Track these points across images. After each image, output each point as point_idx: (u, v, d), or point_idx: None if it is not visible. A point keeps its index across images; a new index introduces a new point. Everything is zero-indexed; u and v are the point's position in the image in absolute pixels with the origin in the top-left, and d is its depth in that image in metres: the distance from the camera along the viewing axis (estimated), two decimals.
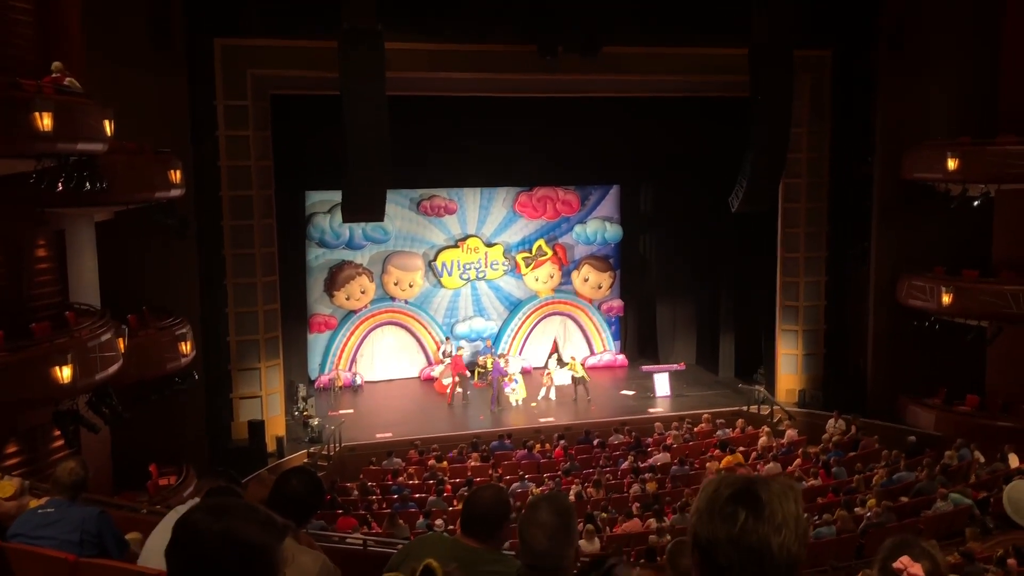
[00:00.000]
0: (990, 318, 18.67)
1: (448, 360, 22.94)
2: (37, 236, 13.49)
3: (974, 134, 18.64)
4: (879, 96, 20.00)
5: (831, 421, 18.73)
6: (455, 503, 13.95)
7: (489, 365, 22.94)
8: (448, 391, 21.65)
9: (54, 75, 12.21)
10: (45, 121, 11.14)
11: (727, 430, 18.77)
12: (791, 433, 18.71)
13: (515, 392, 21.43)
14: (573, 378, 21.56)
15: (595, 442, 18.03)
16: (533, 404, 21.14)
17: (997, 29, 19.36)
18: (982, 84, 19.49)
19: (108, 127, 12.75)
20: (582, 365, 22.38)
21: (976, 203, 18.64)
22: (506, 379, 21.62)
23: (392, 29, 16.21)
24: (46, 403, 11.97)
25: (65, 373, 11.55)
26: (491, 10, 17.68)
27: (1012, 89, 19.05)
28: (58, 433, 12.56)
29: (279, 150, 18.50)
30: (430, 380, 23.44)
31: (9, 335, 11.43)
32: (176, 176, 15.56)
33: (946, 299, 18.68)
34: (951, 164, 18.36)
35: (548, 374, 21.83)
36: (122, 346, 13.36)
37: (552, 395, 21.63)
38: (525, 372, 22.25)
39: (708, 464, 16.26)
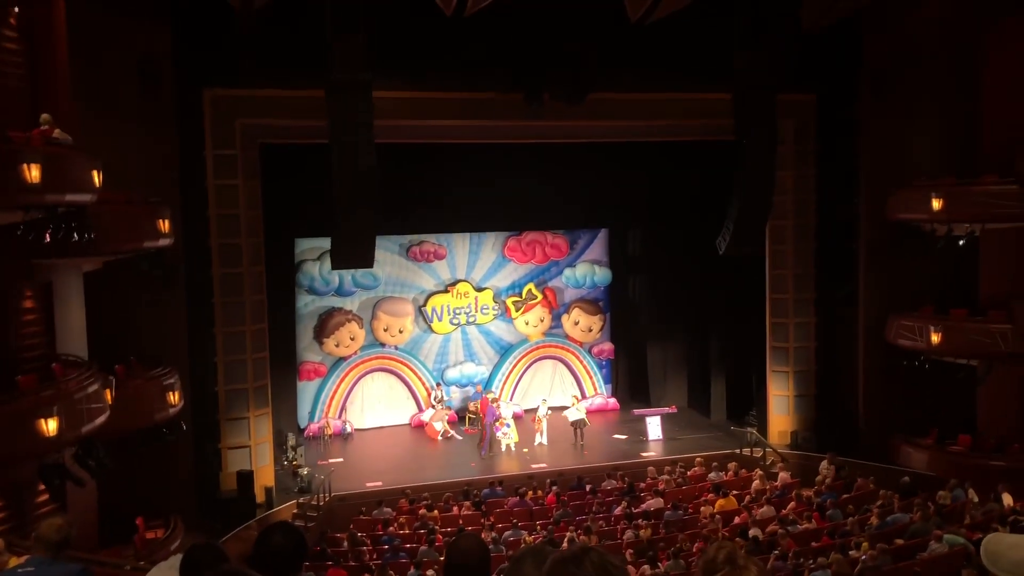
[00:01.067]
0: (979, 357, 18.73)
1: (439, 405, 22.83)
2: (24, 287, 13.45)
3: (957, 175, 18.87)
4: (863, 139, 20.26)
5: (824, 463, 18.64)
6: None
7: (497, 407, 22.82)
8: (483, 438, 21.23)
9: (43, 127, 12.26)
10: (33, 173, 11.18)
11: (720, 473, 18.65)
12: (784, 476, 18.60)
13: (507, 436, 21.30)
14: (573, 421, 21.49)
15: (588, 488, 17.88)
16: (525, 450, 20.97)
17: (977, 74, 19.70)
18: (963, 127, 19.78)
19: (97, 178, 12.79)
20: (585, 408, 22.28)
21: (962, 242, 18.80)
22: (498, 423, 21.54)
23: (380, 78, 16.36)
24: (31, 457, 11.82)
25: (51, 426, 11.43)
26: (478, 58, 17.90)
27: (993, 132, 19.35)
28: (43, 487, 12.38)
29: (268, 198, 18.56)
30: (421, 426, 23.28)
31: None
32: (165, 225, 15.57)
33: (935, 338, 18.74)
34: (936, 204, 18.55)
35: (539, 419, 21.68)
36: (109, 397, 13.24)
37: (544, 439, 21.50)
38: (517, 417, 22.11)
39: (702, 508, 16.14)
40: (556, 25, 17.45)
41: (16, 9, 13.51)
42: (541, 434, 21.50)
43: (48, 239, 11.86)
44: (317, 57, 16.01)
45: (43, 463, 11.96)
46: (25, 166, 11.05)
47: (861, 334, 20.67)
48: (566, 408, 22.18)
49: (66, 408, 11.71)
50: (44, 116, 12.49)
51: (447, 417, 22.87)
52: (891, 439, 19.74)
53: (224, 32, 16.94)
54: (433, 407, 23.08)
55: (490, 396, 22.35)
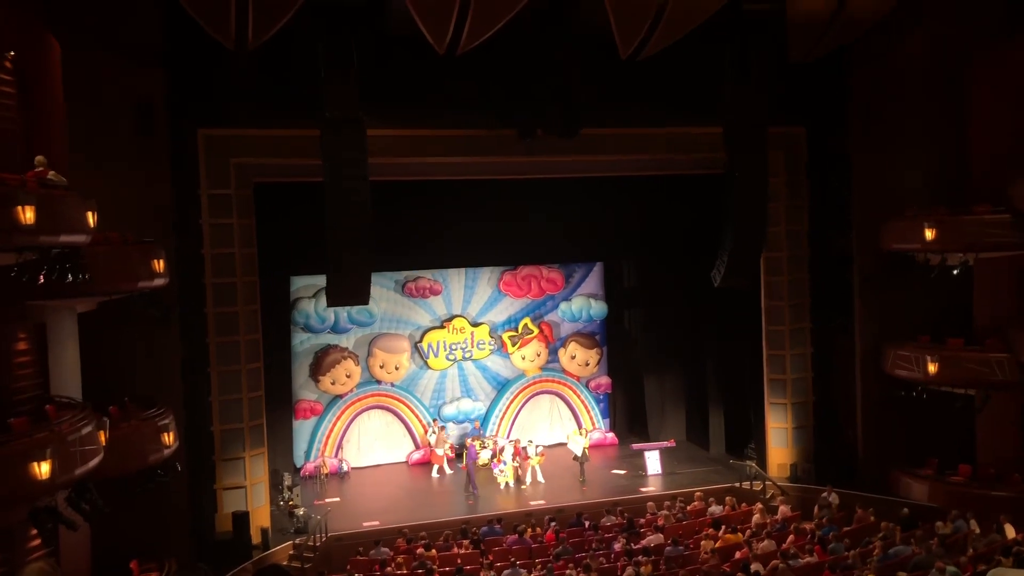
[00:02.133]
0: (976, 386, 18.71)
1: (441, 445, 22.68)
2: (18, 329, 13.39)
3: (947, 205, 18.99)
4: (853, 171, 20.39)
5: (824, 495, 18.52)
6: None
7: (478, 447, 22.76)
8: (515, 474, 21.16)
9: (37, 169, 12.29)
10: (28, 214, 11.16)
11: (717, 507, 18.51)
12: (784, 509, 18.45)
13: (503, 474, 21.17)
14: (575, 456, 21.36)
15: (587, 524, 17.72)
16: (523, 487, 20.77)
17: (964, 104, 19.91)
18: (952, 157, 19.94)
19: (91, 219, 12.79)
20: (587, 445, 22.16)
21: (955, 271, 18.85)
22: (495, 460, 21.45)
23: (374, 116, 16.49)
24: (23, 500, 11.68)
25: (44, 469, 11.29)
26: (470, 95, 18.06)
27: (982, 162, 19.53)
28: (35, 532, 12.23)
29: (263, 236, 18.57)
30: (419, 464, 23.12)
31: None
32: (159, 265, 15.55)
33: (932, 368, 18.72)
34: (929, 234, 18.63)
35: (529, 460, 21.54)
36: (103, 439, 13.12)
37: (540, 477, 21.36)
38: (516, 453, 21.92)
39: (703, 543, 15.99)
40: (548, 62, 17.63)
41: (11, 53, 13.59)
42: (529, 473, 21.32)
43: (42, 280, 11.82)
44: (311, 96, 16.14)
45: (35, 507, 11.81)
46: (20, 208, 11.03)
47: (858, 364, 20.65)
48: (565, 443, 22.10)
49: (59, 450, 11.58)
50: (39, 158, 12.52)
51: (448, 446, 22.79)
52: (890, 470, 19.64)
53: (218, 72, 17.08)
54: (429, 443, 22.95)
55: (470, 440, 22.42)
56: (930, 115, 19.95)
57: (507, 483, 21.04)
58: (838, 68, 20.15)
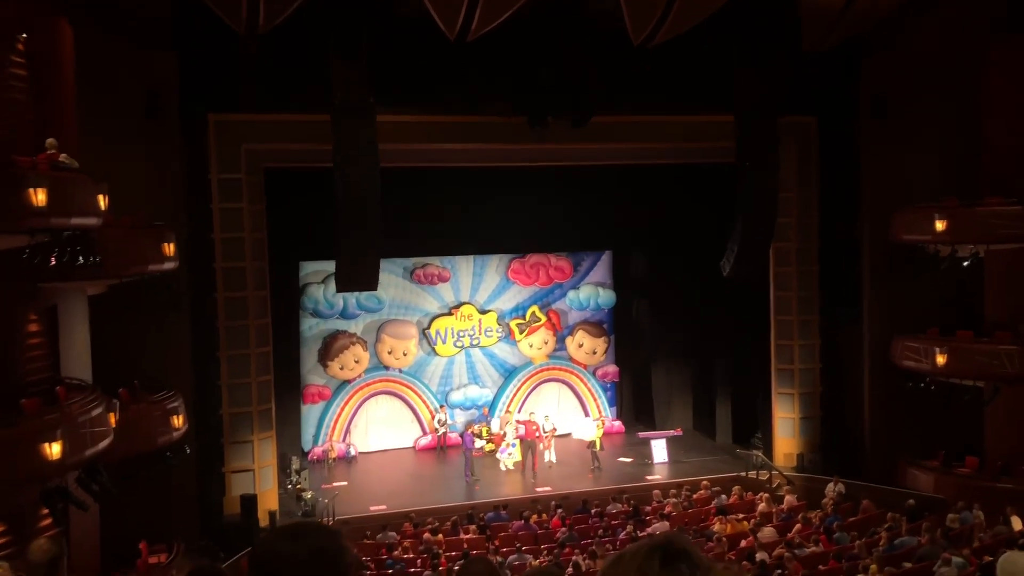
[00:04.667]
0: (985, 378, 18.64)
1: (442, 428, 22.77)
2: (29, 311, 13.48)
3: (958, 196, 18.89)
4: (864, 161, 20.30)
5: (830, 485, 18.53)
6: None
7: (485, 433, 22.83)
8: (529, 462, 21.09)
9: (49, 152, 12.34)
10: (39, 197, 11.23)
11: (723, 496, 18.54)
12: (790, 499, 18.49)
13: (511, 456, 21.22)
14: (588, 443, 21.38)
15: (593, 511, 17.78)
16: (532, 480, 20.71)
17: (978, 95, 19.77)
18: (965, 148, 19.82)
19: (102, 202, 12.85)
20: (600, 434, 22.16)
21: (966, 263, 18.78)
22: (504, 444, 21.54)
23: (384, 102, 16.49)
24: (34, 481, 11.79)
25: (54, 450, 11.40)
26: (481, 83, 18.02)
27: (994, 153, 19.40)
28: (46, 512, 12.34)
29: (273, 222, 18.62)
30: (426, 450, 23.22)
31: None
32: (170, 249, 15.62)
33: (941, 360, 18.66)
34: (939, 226, 18.54)
35: (545, 435, 21.60)
36: (113, 421, 13.22)
37: (552, 456, 21.39)
38: (529, 435, 21.79)
39: (716, 527, 16.03)
40: (560, 48, 17.58)
41: (23, 35, 13.63)
42: (552, 452, 21.38)
43: (53, 263, 11.91)
44: (321, 82, 16.14)
45: (46, 487, 11.92)
46: (31, 190, 11.10)
47: (866, 356, 20.61)
48: (570, 433, 22.13)
49: (70, 432, 11.69)
50: (50, 141, 12.58)
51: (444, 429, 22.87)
52: (897, 461, 19.63)
53: (229, 57, 17.08)
54: (436, 430, 23.04)
55: (473, 428, 22.47)
56: (943, 105, 19.83)
57: (509, 466, 21.04)
58: (850, 57, 20.02)
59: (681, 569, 1.56)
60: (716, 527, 16.02)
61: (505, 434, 21.88)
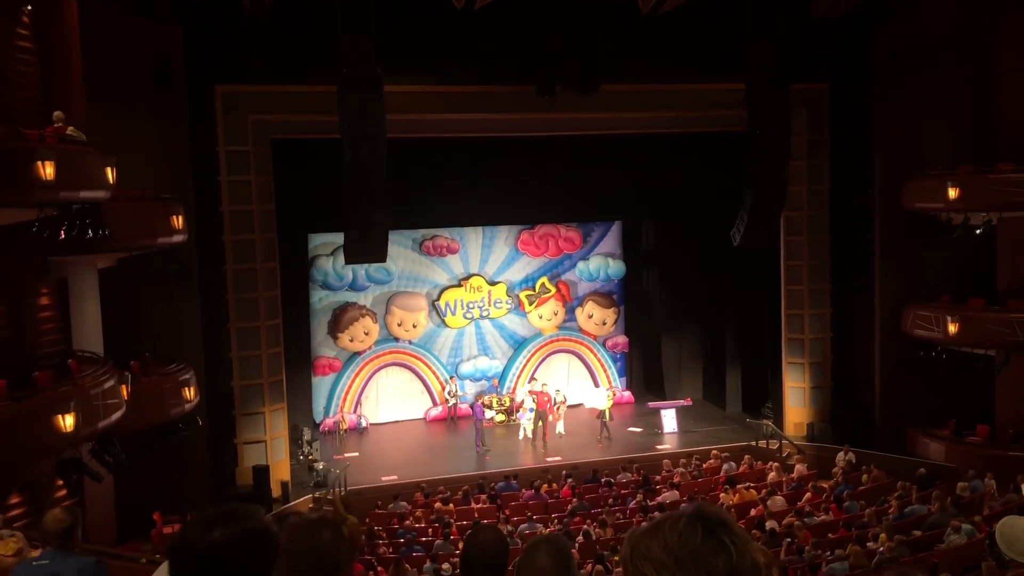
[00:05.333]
0: (997, 347, 18.56)
1: (452, 399, 22.87)
2: (40, 285, 13.54)
3: (972, 164, 18.70)
4: (876, 128, 20.11)
5: (840, 455, 18.55)
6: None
7: (495, 404, 22.93)
8: (542, 432, 21.29)
9: (56, 124, 12.31)
10: (48, 170, 11.22)
11: (732, 464, 18.59)
12: (800, 468, 18.52)
13: (530, 422, 21.32)
14: (598, 413, 21.43)
15: (603, 481, 17.85)
16: (542, 450, 20.80)
17: (992, 61, 19.51)
18: (978, 115, 19.59)
19: (110, 175, 12.84)
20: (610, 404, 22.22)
21: (978, 231, 18.63)
22: (521, 411, 21.77)
23: (391, 72, 16.36)
24: (49, 453, 11.89)
25: (68, 422, 11.49)
26: (489, 52, 17.86)
27: (1009, 119, 19.15)
28: (61, 483, 12.46)
29: (281, 194, 18.59)
30: (437, 421, 23.33)
31: (12, 385, 11.39)
32: (178, 222, 15.63)
33: (952, 328, 18.58)
34: (952, 193, 18.38)
35: (556, 406, 21.70)
36: (125, 393, 13.31)
37: (561, 429, 21.50)
38: (540, 406, 21.84)
39: (722, 497, 16.09)
40: (568, 16, 17.39)
41: (28, 8, 13.56)
42: (560, 425, 21.49)
43: (63, 236, 11.92)
44: (328, 52, 16.02)
45: (60, 459, 12.04)
46: (39, 164, 11.10)
47: (877, 325, 20.54)
48: (581, 404, 22.20)
49: (82, 404, 11.78)
50: (57, 114, 12.55)
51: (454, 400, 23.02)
52: (908, 430, 19.62)
53: (235, 29, 16.98)
54: (447, 400, 23.14)
55: (483, 399, 22.60)
56: (956, 72, 19.58)
57: (526, 431, 21.16)
58: (863, 24, 19.76)
59: (723, 540, 1.55)
60: (724, 496, 16.07)
61: (523, 401, 22.02)
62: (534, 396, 21.63)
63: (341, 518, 2.33)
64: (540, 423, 20.99)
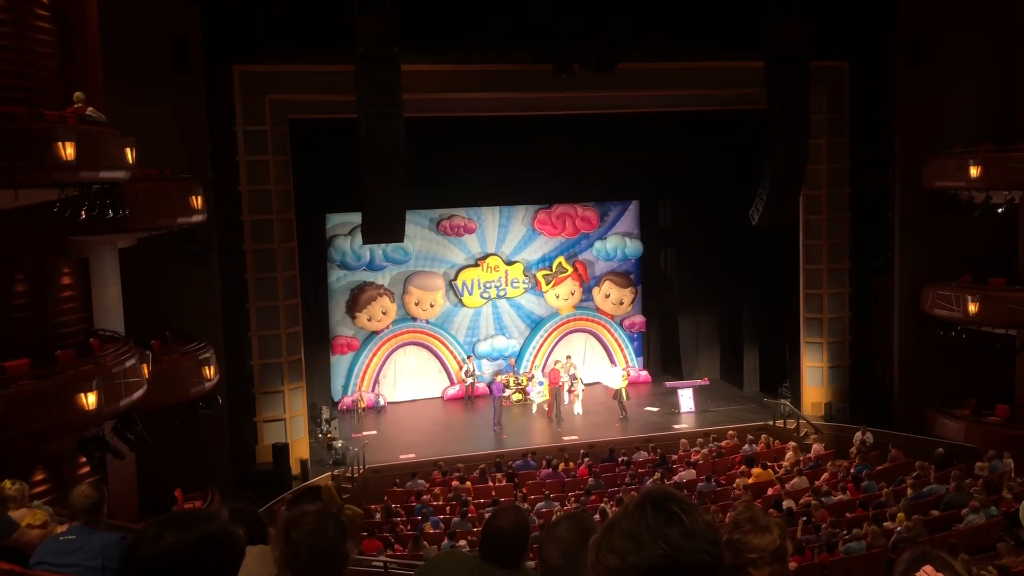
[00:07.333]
0: (1018, 327, 18.42)
1: (469, 379, 22.98)
2: (61, 264, 13.65)
3: (994, 142, 18.48)
4: (897, 106, 19.89)
5: (858, 434, 18.51)
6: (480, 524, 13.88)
7: (512, 383, 23.02)
8: (547, 407, 21.53)
9: (76, 105, 12.37)
10: (68, 151, 11.27)
11: (752, 445, 18.60)
12: (818, 447, 18.51)
13: (541, 395, 21.37)
14: (614, 392, 21.49)
15: (620, 460, 17.91)
16: (559, 429, 20.86)
17: (1014, 38, 19.23)
18: (1000, 92, 19.35)
19: (130, 155, 12.90)
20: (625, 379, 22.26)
21: (1000, 210, 18.45)
22: (531, 384, 21.90)
23: (408, 51, 16.33)
24: (72, 430, 12.04)
25: (90, 400, 11.62)
26: (506, 30, 17.78)
27: None
28: (84, 460, 12.63)
29: (299, 173, 18.64)
30: (454, 399, 23.44)
31: (35, 363, 11.53)
32: (197, 202, 15.70)
33: (972, 308, 18.45)
34: (974, 172, 18.19)
35: (574, 388, 21.79)
36: (146, 372, 13.44)
37: (579, 409, 21.56)
38: (553, 384, 21.92)
39: (737, 480, 16.12)
40: None
41: None
42: (578, 404, 21.56)
43: (84, 216, 12.00)
44: (345, 32, 16.00)
45: (83, 436, 12.19)
46: (60, 144, 11.15)
47: (896, 304, 20.42)
48: (598, 382, 22.24)
49: (104, 382, 11.90)
50: (77, 94, 12.59)
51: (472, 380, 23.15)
52: (927, 410, 19.55)
53: (252, 8, 16.98)
54: (464, 380, 23.24)
55: (501, 378, 22.66)
56: (977, 49, 19.33)
57: (541, 405, 21.31)
58: (883, 1, 19.51)
59: (672, 510, 1.65)
60: (742, 476, 16.10)
61: (534, 375, 22.08)
62: (546, 376, 21.81)
63: (337, 506, 2.36)
64: (554, 399, 21.16)
